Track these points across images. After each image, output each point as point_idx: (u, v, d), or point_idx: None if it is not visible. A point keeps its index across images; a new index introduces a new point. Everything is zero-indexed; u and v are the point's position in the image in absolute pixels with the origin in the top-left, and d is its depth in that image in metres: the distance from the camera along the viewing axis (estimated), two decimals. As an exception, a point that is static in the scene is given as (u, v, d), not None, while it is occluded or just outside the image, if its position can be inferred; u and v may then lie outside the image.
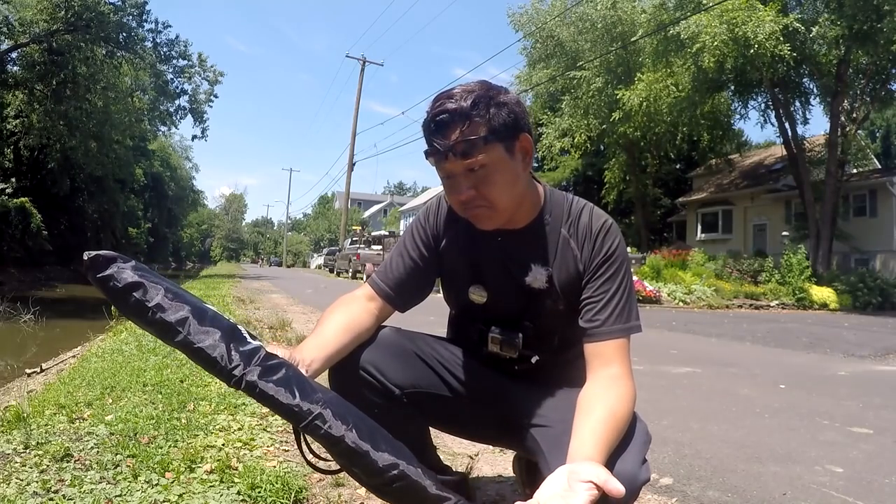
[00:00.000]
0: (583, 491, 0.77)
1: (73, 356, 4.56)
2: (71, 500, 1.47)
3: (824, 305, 13.31)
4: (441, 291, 1.31)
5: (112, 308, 5.63)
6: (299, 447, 1.03)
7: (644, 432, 1.01)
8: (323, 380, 1.05)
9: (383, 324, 1.21)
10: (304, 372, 0.97)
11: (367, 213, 55.52)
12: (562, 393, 1.17)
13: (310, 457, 1.03)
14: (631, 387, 1.02)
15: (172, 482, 1.59)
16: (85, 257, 0.81)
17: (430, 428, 1.31)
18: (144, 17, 19.84)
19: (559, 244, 1.12)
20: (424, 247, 1.22)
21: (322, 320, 1.13)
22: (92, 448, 1.84)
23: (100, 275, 0.80)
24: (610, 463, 0.91)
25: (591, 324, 1.07)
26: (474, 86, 1.03)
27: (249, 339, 0.86)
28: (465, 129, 0.99)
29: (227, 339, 0.82)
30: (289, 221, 66.59)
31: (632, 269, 1.16)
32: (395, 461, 0.81)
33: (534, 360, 1.20)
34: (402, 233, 1.34)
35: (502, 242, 1.14)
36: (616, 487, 0.78)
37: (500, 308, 1.17)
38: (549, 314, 1.14)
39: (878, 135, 32.96)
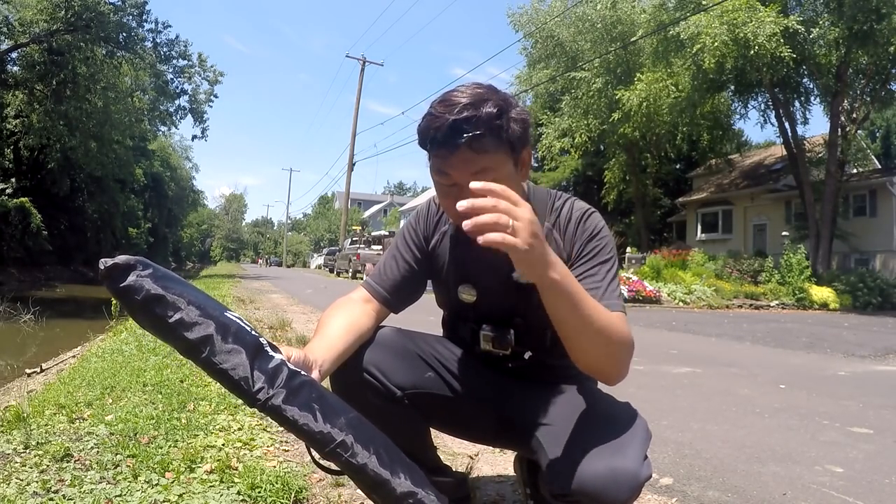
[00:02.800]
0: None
1: (73, 356, 4.56)
2: (71, 500, 1.47)
3: (824, 305, 13.31)
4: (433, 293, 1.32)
5: (112, 308, 5.59)
6: (308, 449, 1.03)
7: (644, 429, 1.01)
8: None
9: (381, 324, 1.22)
10: (316, 373, 0.97)
11: (367, 213, 55.51)
12: (562, 390, 1.18)
13: (317, 457, 1.03)
14: (625, 332, 0.98)
15: (172, 482, 1.59)
16: (101, 266, 0.76)
17: (431, 428, 1.31)
18: (144, 17, 19.84)
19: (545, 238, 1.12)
20: (417, 249, 1.23)
21: (324, 322, 1.13)
22: (92, 448, 1.84)
23: (119, 286, 0.76)
24: (611, 458, 0.92)
25: None
26: (487, 92, 1.00)
27: (272, 354, 0.84)
28: (483, 133, 0.96)
29: (250, 358, 0.80)
30: (289, 221, 66.65)
31: (617, 259, 1.15)
32: (413, 489, 0.81)
33: (527, 356, 1.20)
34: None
35: None
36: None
37: (490, 306, 1.18)
38: (540, 309, 1.14)
39: (878, 135, 32.92)
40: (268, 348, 0.85)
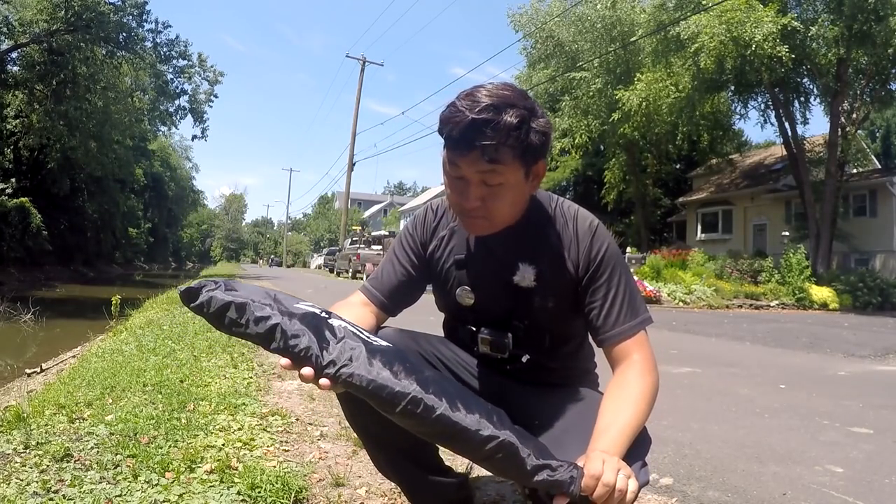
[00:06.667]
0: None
1: (73, 356, 4.56)
2: (71, 500, 1.47)
3: (824, 305, 13.30)
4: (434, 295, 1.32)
5: (112, 308, 5.61)
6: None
7: (643, 434, 1.01)
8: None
9: (382, 325, 1.22)
10: None
11: (367, 213, 55.52)
12: (562, 394, 1.18)
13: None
14: (650, 377, 1.04)
15: (172, 482, 1.59)
16: (178, 293, 0.93)
17: None
18: (144, 17, 19.85)
19: (545, 243, 1.13)
20: (414, 255, 1.24)
21: None
22: (92, 448, 1.84)
23: (192, 305, 0.90)
24: None
25: (600, 330, 1.08)
26: (514, 97, 0.98)
27: (336, 328, 0.90)
28: (499, 142, 0.95)
29: (316, 336, 0.87)
30: (289, 221, 66.59)
31: (628, 267, 1.16)
32: (495, 433, 0.85)
33: (524, 359, 1.20)
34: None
35: (489, 243, 1.14)
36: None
37: (489, 309, 1.18)
38: (539, 312, 1.14)
39: (878, 135, 32.90)
40: (333, 322, 0.92)
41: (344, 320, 0.95)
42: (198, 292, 0.90)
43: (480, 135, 0.94)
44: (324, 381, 0.86)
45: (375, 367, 0.85)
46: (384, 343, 0.93)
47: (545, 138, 1.00)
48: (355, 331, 0.92)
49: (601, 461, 0.84)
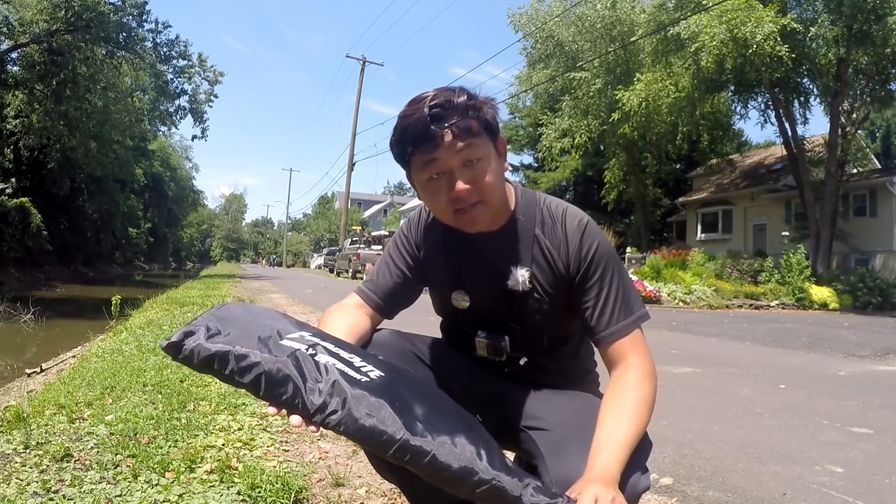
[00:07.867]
0: None
1: (73, 356, 4.56)
2: (71, 500, 1.47)
3: (824, 305, 13.30)
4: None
5: (112, 308, 5.59)
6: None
7: (644, 440, 1.01)
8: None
9: (378, 327, 1.22)
10: None
11: (367, 213, 55.50)
12: (559, 395, 1.17)
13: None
14: (648, 384, 1.03)
15: (172, 482, 1.59)
16: (162, 347, 0.90)
17: None
18: (144, 17, 19.86)
19: (534, 244, 1.12)
20: (409, 257, 1.23)
21: (324, 326, 1.13)
22: (92, 448, 1.84)
23: (178, 358, 0.89)
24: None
25: (595, 330, 1.07)
26: (451, 88, 1.03)
27: (322, 372, 0.88)
28: (462, 117, 0.99)
29: (302, 382, 0.86)
30: (289, 221, 66.61)
31: (622, 263, 1.15)
32: (485, 478, 0.82)
33: (522, 361, 1.19)
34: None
35: (480, 246, 1.13)
36: None
37: (484, 312, 1.17)
38: (534, 314, 1.14)
39: (878, 135, 32.88)
40: (320, 358, 0.89)
41: (331, 352, 0.91)
42: (180, 346, 0.88)
43: (442, 119, 0.98)
44: (312, 427, 0.85)
45: (362, 413, 0.83)
46: (375, 375, 0.90)
47: (495, 112, 1.05)
48: (343, 367, 0.89)
49: (594, 499, 0.82)
